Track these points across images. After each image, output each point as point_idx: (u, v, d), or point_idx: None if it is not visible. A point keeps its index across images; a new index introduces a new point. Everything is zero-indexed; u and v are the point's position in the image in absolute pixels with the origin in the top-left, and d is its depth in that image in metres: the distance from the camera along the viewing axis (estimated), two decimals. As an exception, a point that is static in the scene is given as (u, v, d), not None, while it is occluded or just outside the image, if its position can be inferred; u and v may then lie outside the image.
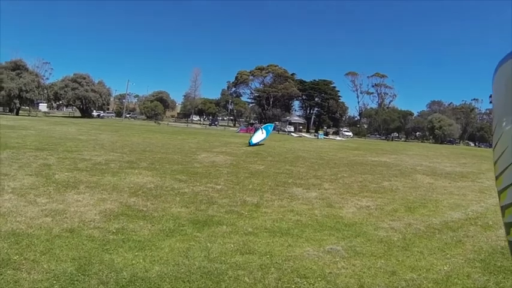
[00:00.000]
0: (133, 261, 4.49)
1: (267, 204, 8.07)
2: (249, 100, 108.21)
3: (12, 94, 60.69)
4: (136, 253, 4.77)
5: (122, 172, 10.72)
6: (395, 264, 4.94)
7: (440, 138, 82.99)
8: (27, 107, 71.18)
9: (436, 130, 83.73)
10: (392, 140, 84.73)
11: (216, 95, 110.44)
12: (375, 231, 6.44)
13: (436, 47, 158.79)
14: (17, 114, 62.68)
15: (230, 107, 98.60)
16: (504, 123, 1.67)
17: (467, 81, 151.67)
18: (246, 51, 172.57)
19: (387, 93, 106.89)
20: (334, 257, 5.05)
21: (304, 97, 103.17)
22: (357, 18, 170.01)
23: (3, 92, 60.29)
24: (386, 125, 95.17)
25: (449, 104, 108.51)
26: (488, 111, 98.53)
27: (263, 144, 24.97)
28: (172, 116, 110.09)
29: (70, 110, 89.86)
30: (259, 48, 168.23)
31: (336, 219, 7.13)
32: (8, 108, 68.49)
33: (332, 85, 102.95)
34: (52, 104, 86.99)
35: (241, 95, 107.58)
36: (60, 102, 76.96)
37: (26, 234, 5.20)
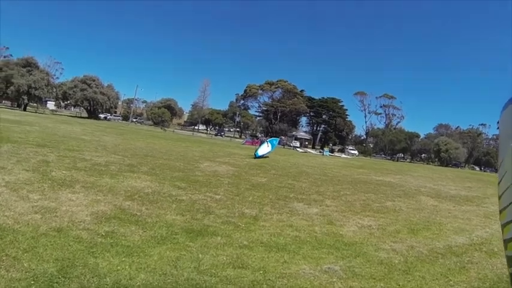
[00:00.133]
0: (119, 267, 4.28)
1: (265, 217, 7.82)
2: (257, 113, 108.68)
3: (21, 90, 61.24)
4: (123, 259, 4.55)
5: (120, 175, 10.53)
6: (395, 288, 4.68)
7: (446, 161, 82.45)
8: (35, 104, 71.65)
9: (442, 153, 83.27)
10: (397, 161, 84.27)
11: (224, 106, 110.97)
12: (376, 252, 6.17)
13: (445, 71, 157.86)
14: (25, 110, 63.10)
15: (237, 119, 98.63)
16: (508, 163, 1.76)
17: (475, 106, 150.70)
18: (256, 65, 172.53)
19: (395, 115, 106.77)
20: (331, 277, 4.80)
21: (311, 114, 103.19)
22: (369, 39, 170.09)
23: (12, 88, 60.90)
24: (393, 145, 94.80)
25: (456, 128, 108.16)
26: (495, 137, 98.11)
27: (267, 157, 24.76)
28: (179, 124, 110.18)
29: (77, 110, 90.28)
30: (269, 62, 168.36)
31: (336, 237, 6.87)
32: (16, 103, 69.05)
33: (340, 103, 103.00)
34: (60, 102, 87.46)
35: (249, 108, 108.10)
36: (68, 101, 77.34)
37: (11, 229, 5.04)
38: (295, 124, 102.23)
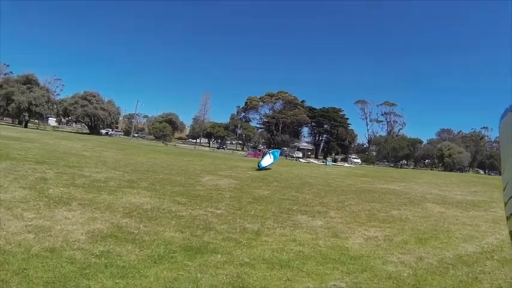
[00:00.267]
0: (112, 290, 4.04)
1: (268, 232, 7.57)
2: (258, 125, 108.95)
3: (22, 107, 61.74)
4: (117, 280, 4.32)
5: (119, 191, 10.32)
6: (405, 305, 4.43)
7: (450, 166, 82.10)
8: (36, 121, 71.97)
9: (446, 158, 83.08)
10: (401, 168, 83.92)
11: (225, 119, 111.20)
12: (383, 265, 5.90)
13: (445, 75, 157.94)
14: (26, 126, 63.49)
15: (239, 131, 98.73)
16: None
17: (477, 109, 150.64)
18: (256, 77, 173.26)
19: (396, 121, 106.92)
20: (338, 294, 4.54)
21: (313, 124, 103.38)
22: (367, 46, 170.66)
23: (13, 105, 61.27)
24: (395, 152, 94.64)
25: (458, 132, 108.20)
26: (498, 139, 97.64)
27: (270, 168, 24.55)
28: (180, 138, 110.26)
29: (79, 126, 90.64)
30: (269, 74, 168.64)
31: (341, 250, 6.60)
32: (17, 120, 69.35)
33: (341, 113, 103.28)
34: (61, 119, 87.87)
35: (250, 120, 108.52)
36: (70, 118, 77.72)
37: (2, 250, 4.86)
38: (297, 135, 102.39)
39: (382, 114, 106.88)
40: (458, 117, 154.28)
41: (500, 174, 2.01)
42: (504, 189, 1.80)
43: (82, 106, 69.55)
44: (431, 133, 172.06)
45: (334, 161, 63.17)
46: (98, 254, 5.15)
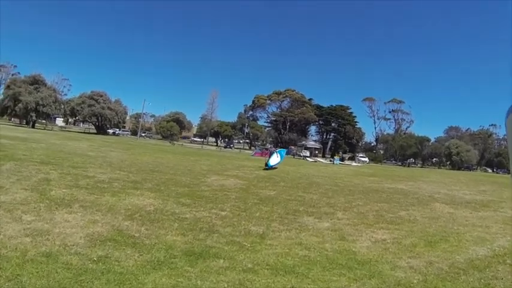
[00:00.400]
0: (107, 299, 3.87)
1: (273, 235, 7.36)
2: (266, 124, 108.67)
3: (29, 107, 62.00)
4: (114, 288, 4.14)
5: (123, 192, 10.18)
6: (416, 315, 4.20)
7: (458, 165, 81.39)
8: (43, 121, 72.31)
9: (454, 156, 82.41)
10: (408, 166, 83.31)
11: (232, 118, 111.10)
12: (392, 271, 5.67)
13: (453, 72, 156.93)
14: (33, 127, 63.77)
15: (246, 130, 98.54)
16: None
17: (485, 106, 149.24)
18: (263, 75, 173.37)
19: (404, 119, 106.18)
20: (344, 303, 4.33)
21: (321, 122, 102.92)
22: (375, 43, 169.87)
23: (20, 105, 61.54)
24: (403, 151, 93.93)
25: (466, 130, 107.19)
26: (506, 137, 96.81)
27: (276, 168, 24.37)
28: (188, 138, 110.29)
29: (86, 126, 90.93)
30: (276, 72, 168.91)
31: (349, 255, 6.37)
32: (24, 120, 69.70)
33: (349, 110, 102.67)
34: (68, 119, 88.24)
35: (257, 119, 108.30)
36: (77, 118, 78.01)
37: (-3, 255, 4.68)
38: (304, 133, 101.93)
39: (390, 112, 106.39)
40: (466, 115, 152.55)
41: (508, 173, 1.86)
42: None
43: (89, 106, 69.85)
44: (439, 131, 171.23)
45: (342, 159, 62.63)
46: (96, 259, 4.98)
